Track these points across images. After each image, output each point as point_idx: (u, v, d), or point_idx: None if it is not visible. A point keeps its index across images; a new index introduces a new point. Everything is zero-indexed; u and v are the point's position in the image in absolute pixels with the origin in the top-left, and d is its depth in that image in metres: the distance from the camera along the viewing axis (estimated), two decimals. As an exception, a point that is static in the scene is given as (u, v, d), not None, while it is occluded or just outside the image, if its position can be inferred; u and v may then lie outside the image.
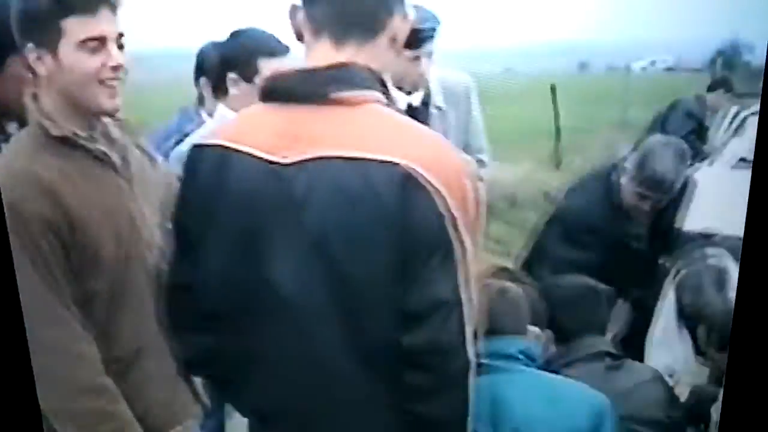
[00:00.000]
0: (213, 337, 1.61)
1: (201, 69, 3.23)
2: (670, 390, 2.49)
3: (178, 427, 2.04)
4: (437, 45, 2.87)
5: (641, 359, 2.87)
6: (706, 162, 5.51)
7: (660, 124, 6.19)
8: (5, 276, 0.84)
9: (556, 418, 1.91)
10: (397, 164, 1.37)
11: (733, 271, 2.93)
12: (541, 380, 2.03)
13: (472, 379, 1.48)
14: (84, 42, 1.76)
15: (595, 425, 1.95)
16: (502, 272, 2.97)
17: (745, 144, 5.28)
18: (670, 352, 3.03)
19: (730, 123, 5.99)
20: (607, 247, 3.23)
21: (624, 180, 3.27)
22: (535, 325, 2.52)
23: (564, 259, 3.21)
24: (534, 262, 3.36)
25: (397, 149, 1.39)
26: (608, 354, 2.48)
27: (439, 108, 3.12)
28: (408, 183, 1.37)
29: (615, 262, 3.17)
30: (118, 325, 1.88)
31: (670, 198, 3.26)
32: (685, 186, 3.44)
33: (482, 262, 1.62)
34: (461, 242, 1.41)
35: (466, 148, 3.23)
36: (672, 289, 3.13)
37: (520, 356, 2.02)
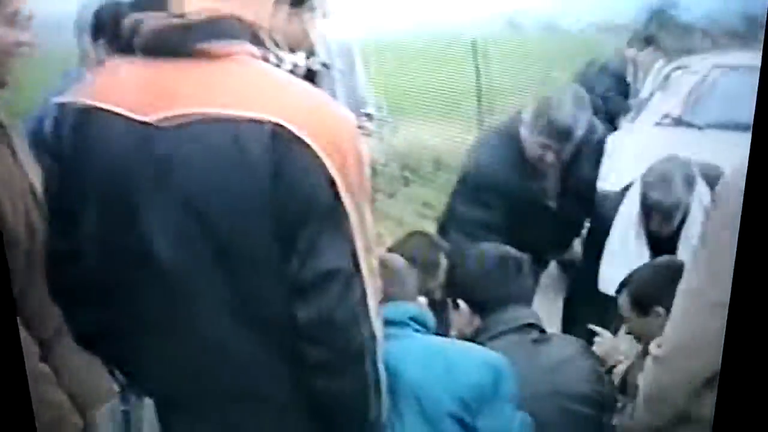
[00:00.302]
0: (100, 311, 1.52)
1: (98, 29, 3.01)
2: (600, 363, 2.34)
3: (101, 407, 1.98)
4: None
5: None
6: (629, 118, 5.40)
7: (580, 82, 6.06)
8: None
9: (454, 379, 1.88)
10: (269, 122, 1.30)
11: None
12: (433, 344, 1.98)
13: (379, 354, 1.43)
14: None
15: (494, 382, 1.91)
16: (419, 237, 2.80)
17: (670, 99, 5.19)
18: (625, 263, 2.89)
19: (655, 79, 5.90)
20: (518, 207, 3.10)
21: (524, 131, 3.10)
22: (455, 295, 2.35)
23: (475, 220, 3.08)
24: (448, 226, 3.22)
25: (270, 106, 1.31)
26: (534, 327, 2.31)
27: (324, 65, 3.10)
28: (281, 142, 1.30)
29: (531, 223, 3.06)
30: (36, 304, 1.77)
31: (573, 147, 3.10)
32: (601, 142, 3.33)
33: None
34: (349, 205, 1.33)
35: (354, 103, 3.27)
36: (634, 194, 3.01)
37: (410, 322, 1.96)
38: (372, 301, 1.40)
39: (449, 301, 2.42)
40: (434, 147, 7.03)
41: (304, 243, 1.33)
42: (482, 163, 3.18)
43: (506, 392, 1.94)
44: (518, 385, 2.02)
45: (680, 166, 2.99)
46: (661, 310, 2.24)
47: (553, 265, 3.97)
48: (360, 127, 3.75)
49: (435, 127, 7.21)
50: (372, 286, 1.41)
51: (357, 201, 1.36)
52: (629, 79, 6.37)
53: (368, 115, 3.73)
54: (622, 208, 3.08)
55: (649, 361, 1.82)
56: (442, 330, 2.52)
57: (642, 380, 1.86)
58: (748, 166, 0.91)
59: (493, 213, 3.06)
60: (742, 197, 1.62)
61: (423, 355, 1.92)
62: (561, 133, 3.05)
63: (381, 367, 1.47)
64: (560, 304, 3.55)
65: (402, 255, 2.75)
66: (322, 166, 1.31)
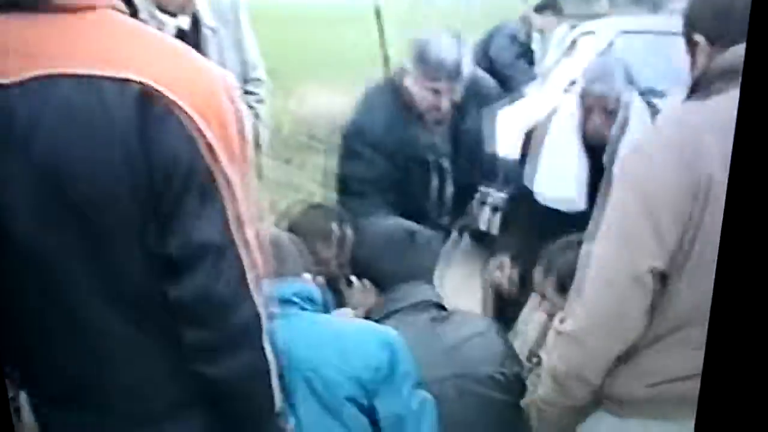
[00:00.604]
0: None
1: None
2: (507, 343, 2.19)
3: None
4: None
5: None
6: (537, 86, 5.30)
7: (483, 48, 5.93)
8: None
9: (346, 357, 1.79)
10: (133, 81, 1.20)
11: None
12: (322, 323, 1.88)
13: (265, 335, 1.35)
14: None
15: (390, 362, 1.81)
16: (315, 209, 2.63)
17: (576, 66, 5.10)
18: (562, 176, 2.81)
19: (561, 45, 5.81)
20: (406, 163, 2.94)
21: (409, 81, 2.90)
22: (349, 271, 2.18)
23: (359, 177, 2.92)
24: (343, 194, 3.04)
25: (134, 64, 1.22)
26: (435, 305, 2.14)
27: (211, 28, 3.01)
28: (146, 103, 1.20)
29: (420, 181, 2.95)
30: None
31: (463, 87, 2.92)
32: (491, 98, 3.17)
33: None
34: (223, 173, 1.24)
35: (242, 66, 3.24)
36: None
37: (296, 299, 1.84)
38: (251, 277, 1.30)
39: (342, 277, 2.24)
40: (338, 113, 6.82)
41: (178, 214, 1.24)
42: (364, 117, 2.99)
43: (403, 371, 1.83)
44: (416, 364, 1.89)
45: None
46: None
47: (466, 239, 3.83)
48: (250, 93, 3.60)
49: (340, 93, 7.01)
50: (251, 261, 1.30)
51: (235, 169, 1.26)
52: (534, 46, 6.28)
53: (258, 80, 3.55)
54: (556, 119, 2.94)
55: (552, 337, 1.68)
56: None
57: (546, 357, 1.73)
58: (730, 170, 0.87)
59: (376, 169, 2.89)
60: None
61: (312, 334, 1.81)
62: (444, 69, 2.84)
63: (269, 349, 1.37)
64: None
65: (295, 228, 2.60)
66: (197, 129, 1.21)
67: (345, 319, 1.93)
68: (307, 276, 1.94)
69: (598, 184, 2.86)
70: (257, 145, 3.58)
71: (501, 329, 2.22)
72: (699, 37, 1.63)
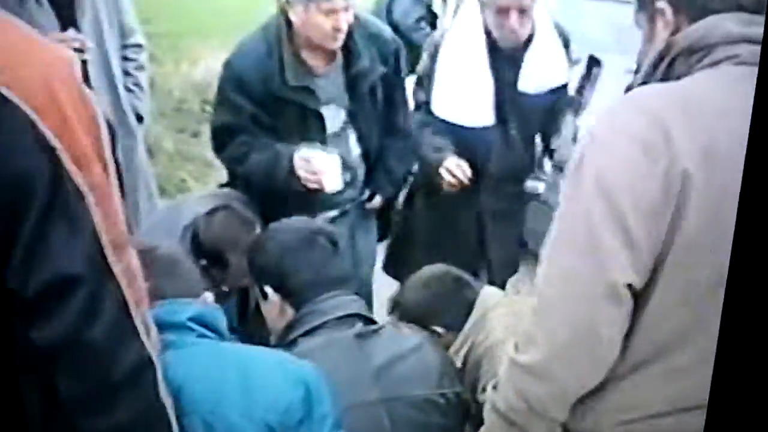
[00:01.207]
0: None
1: None
2: (445, 358, 1.91)
3: None
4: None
5: None
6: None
7: (386, 10, 5.63)
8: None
9: (252, 397, 1.50)
10: None
11: None
12: (223, 353, 1.57)
13: (158, 377, 1.13)
14: None
15: (305, 402, 1.53)
16: (222, 213, 2.37)
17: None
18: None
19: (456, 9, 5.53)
20: (282, 109, 2.64)
21: (295, 14, 2.57)
22: (260, 281, 1.87)
23: (231, 128, 2.65)
24: (218, 150, 2.80)
25: None
26: (361, 318, 1.85)
27: None
28: None
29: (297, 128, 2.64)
30: None
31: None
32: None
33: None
34: (83, 183, 1.01)
35: (120, 30, 3.04)
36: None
37: (192, 325, 1.54)
38: (136, 313, 1.08)
39: (257, 289, 1.92)
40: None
41: (27, 240, 1.00)
42: (237, 62, 2.67)
43: (320, 414, 1.54)
44: (338, 396, 1.62)
45: None
46: None
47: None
48: (129, 59, 3.21)
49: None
50: (134, 292, 1.09)
51: (95, 175, 1.04)
52: (437, 9, 6.02)
53: (137, 46, 3.17)
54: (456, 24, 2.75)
55: (506, 369, 1.41)
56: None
57: (495, 392, 1.45)
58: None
59: (243, 115, 2.63)
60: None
61: (212, 369, 1.51)
62: None
63: (163, 392, 1.15)
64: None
65: (204, 236, 2.36)
66: (33, 127, 0.98)
67: (254, 349, 1.61)
68: (208, 296, 1.62)
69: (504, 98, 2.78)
70: (139, 118, 3.20)
71: (437, 343, 1.95)
72: (662, 4, 1.37)
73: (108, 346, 1.07)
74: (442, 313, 2.13)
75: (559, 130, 2.94)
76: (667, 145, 1.21)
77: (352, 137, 2.76)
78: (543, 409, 1.38)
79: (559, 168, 2.97)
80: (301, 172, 2.53)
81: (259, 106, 2.60)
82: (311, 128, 2.63)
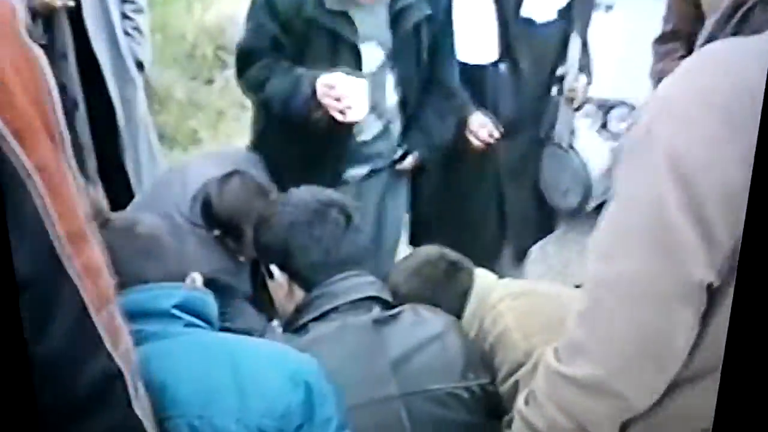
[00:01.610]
0: None
1: None
2: (471, 346, 1.72)
3: None
4: None
5: None
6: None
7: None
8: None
9: (245, 399, 1.30)
10: None
11: None
12: (214, 347, 1.36)
13: (128, 385, 0.95)
14: None
15: (303, 402, 1.32)
16: (235, 178, 2.20)
17: None
18: None
19: None
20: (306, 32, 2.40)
21: None
22: (266, 259, 1.68)
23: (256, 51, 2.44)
24: (240, 75, 2.56)
25: None
26: (378, 301, 1.66)
27: None
28: None
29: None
30: None
31: None
32: None
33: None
34: (28, 162, 0.80)
35: None
36: None
37: (178, 313, 1.34)
38: (99, 318, 0.89)
39: (263, 267, 1.73)
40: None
41: None
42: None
43: (322, 418, 1.34)
44: (352, 389, 1.46)
45: None
46: None
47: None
48: (128, 1, 2.98)
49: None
50: (98, 294, 0.90)
51: (42, 153, 0.84)
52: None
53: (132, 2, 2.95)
54: None
55: (550, 383, 1.21)
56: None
57: (530, 407, 1.25)
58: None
59: (272, 38, 2.42)
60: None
61: (200, 366, 1.31)
62: None
63: (139, 399, 0.99)
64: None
65: (217, 205, 2.19)
66: None
67: (248, 341, 1.43)
68: (197, 278, 1.43)
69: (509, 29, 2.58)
70: (139, 65, 2.98)
71: (461, 327, 1.76)
72: None
73: (65, 360, 0.90)
74: (437, 303, 1.93)
75: (566, 56, 2.75)
76: (754, 115, 1.00)
77: (390, 82, 2.52)
78: (596, 427, 1.19)
79: (569, 99, 2.79)
80: (324, 99, 2.29)
81: (289, 32, 2.38)
82: (344, 64, 2.37)
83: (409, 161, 2.64)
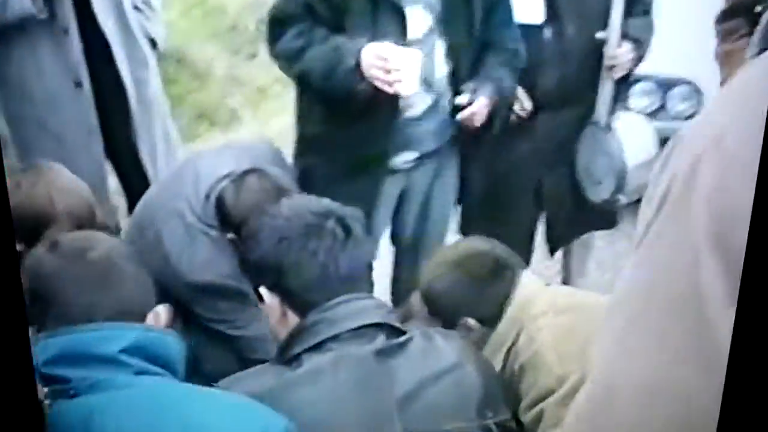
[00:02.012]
0: None
1: None
2: (490, 378, 1.50)
3: None
4: None
5: None
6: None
7: None
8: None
9: None
10: None
11: None
12: (167, 400, 1.14)
13: None
14: None
15: None
16: (252, 176, 2.09)
17: None
18: None
19: None
20: None
21: None
22: (256, 280, 1.48)
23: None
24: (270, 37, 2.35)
25: None
26: (384, 328, 1.44)
27: None
28: None
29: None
30: None
31: None
32: None
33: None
34: None
35: None
36: None
37: (128, 359, 1.13)
38: None
39: (251, 290, 1.53)
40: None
41: None
42: None
43: None
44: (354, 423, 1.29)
45: None
46: None
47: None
48: None
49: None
50: None
51: None
52: None
53: None
54: None
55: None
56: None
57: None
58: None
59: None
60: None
61: (146, 421, 1.10)
62: None
63: None
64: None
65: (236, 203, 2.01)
66: None
67: (209, 395, 1.21)
68: (161, 311, 1.24)
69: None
70: (152, 43, 2.77)
71: (480, 356, 1.53)
72: None
73: None
74: (476, 303, 1.72)
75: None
76: None
77: (439, 50, 2.27)
78: None
79: (608, 68, 2.50)
80: (372, 70, 2.07)
81: None
82: (388, 30, 2.14)
83: (477, 106, 2.28)
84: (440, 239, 2.64)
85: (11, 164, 2.08)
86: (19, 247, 1.70)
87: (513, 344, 1.69)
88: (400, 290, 2.77)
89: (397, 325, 1.45)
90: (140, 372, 1.11)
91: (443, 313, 1.74)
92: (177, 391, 1.15)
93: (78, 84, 2.45)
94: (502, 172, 2.65)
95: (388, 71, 2.06)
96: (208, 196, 2.13)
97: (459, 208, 2.70)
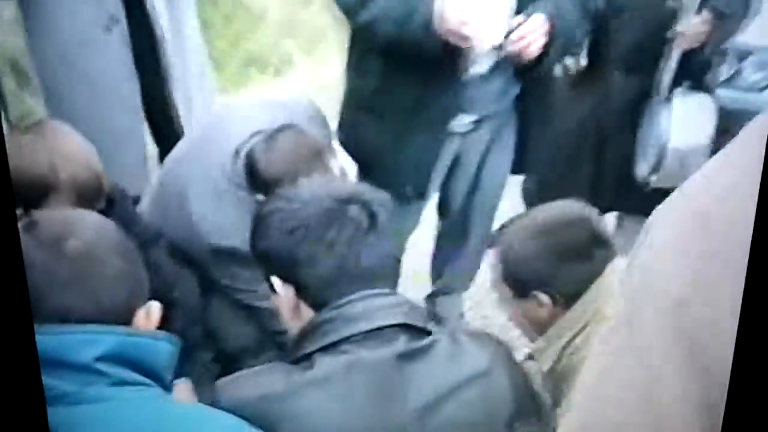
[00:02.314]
0: None
1: None
2: (520, 384, 1.34)
3: None
4: None
5: None
6: None
7: None
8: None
9: None
10: None
11: None
12: (143, 417, 1.01)
13: None
14: None
15: None
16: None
17: None
18: None
19: None
20: None
21: None
22: (267, 269, 1.35)
23: None
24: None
25: None
26: (406, 328, 1.29)
27: None
28: None
29: None
30: None
31: None
32: None
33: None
34: None
35: None
36: None
37: (104, 367, 0.99)
38: None
39: (264, 278, 1.39)
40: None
41: None
42: None
43: None
44: None
45: None
46: None
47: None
48: None
49: None
50: None
51: None
52: None
53: None
54: None
55: None
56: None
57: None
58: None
59: None
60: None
61: None
62: None
63: None
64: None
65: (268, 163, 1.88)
66: None
67: (194, 414, 1.08)
68: (153, 308, 1.11)
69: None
70: None
71: (513, 361, 1.38)
72: None
73: None
74: (556, 278, 1.51)
75: None
76: None
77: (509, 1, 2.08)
78: None
79: (674, 36, 2.30)
80: (452, 21, 1.92)
81: None
82: None
83: (532, 25, 2.05)
84: (491, 212, 2.50)
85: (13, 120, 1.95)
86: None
87: (575, 336, 1.51)
88: (440, 266, 2.63)
89: (421, 325, 1.31)
90: (118, 383, 0.99)
91: (516, 281, 1.55)
92: (155, 410, 1.01)
93: (112, 22, 2.30)
94: (563, 138, 2.52)
95: (466, 23, 1.91)
96: (238, 153, 2.01)
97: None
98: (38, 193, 1.55)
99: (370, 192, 1.35)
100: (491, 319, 2.85)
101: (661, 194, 0.65)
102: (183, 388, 1.35)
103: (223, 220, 2.02)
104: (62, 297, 1.01)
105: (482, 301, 2.86)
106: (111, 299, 1.04)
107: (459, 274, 2.63)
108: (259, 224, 1.34)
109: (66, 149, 1.63)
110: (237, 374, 1.29)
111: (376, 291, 1.28)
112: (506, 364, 1.33)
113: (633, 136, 2.49)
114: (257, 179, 1.97)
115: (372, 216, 1.30)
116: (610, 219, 2.86)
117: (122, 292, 1.05)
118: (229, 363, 2.51)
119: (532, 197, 2.60)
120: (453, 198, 2.47)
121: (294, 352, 1.29)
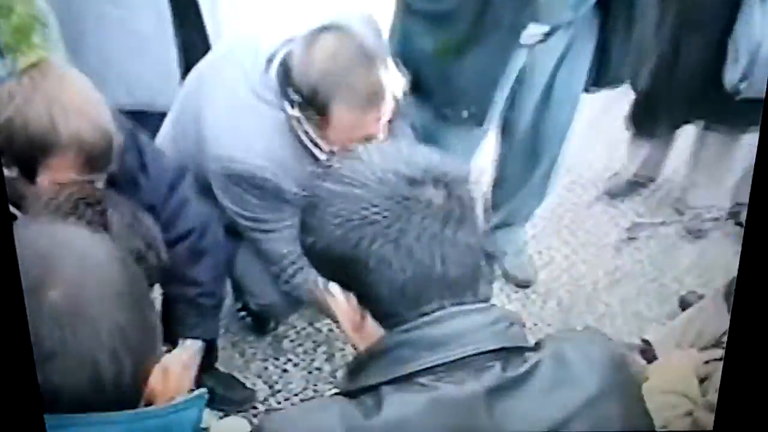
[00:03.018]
0: None
1: None
2: (636, 406, 1.06)
3: None
4: None
5: None
6: None
7: None
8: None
9: None
10: None
11: None
12: None
13: None
14: None
15: None
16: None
17: None
18: None
19: None
20: None
21: None
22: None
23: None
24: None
25: None
26: (500, 353, 0.98)
27: None
28: None
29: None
30: None
31: None
32: None
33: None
34: None
35: None
36: None
37: None
38: None
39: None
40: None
41: None
42: None
43: None
44: None
45: None
46: None
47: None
48: None
49: None
50: None
51: None
52: None
53: None
54: None
55: None
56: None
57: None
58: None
59: None
60: None
61: None
62: None
63: None
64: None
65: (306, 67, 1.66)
66: None
67: None
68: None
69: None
70: None
71: (628, 375, 1.08)
72: None
73: None
74: None
75: None
76: None
77: None
78: None
79: None
80: None
81: None
82: None
83: None
84: (561, 135, 2.21)
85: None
86: (9, 172, 1.29)
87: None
88: (502, 196, 2.34)
89: (521, 344, 1.01)
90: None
91: None
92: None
93: None
94: (649, 45, 2.31)
95: None
96: (270, 61, 1.71)
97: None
98: (36, 150, 1.26)
99: (449, 165, 1.02)
100: (554, 251, 2.59)
101: (749, 106, 0.48)
102: (188, 347, 1.22)
103: (238, 139, 1.77)
104: (52, 373, 0.72)
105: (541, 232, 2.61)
106: (111, 366, 0.74)
107: (523, 204, 2.34)
108: (308, 216, 1.01)
109: (69, 100, 1.31)
110: (284, 410, 1.01)
111: (466, 306, 0.97)
112: (620, 380, 1.03)
113: (725, 40, 2.27)
114: (291, 84, 1.69)
115: (454, 200, 0.98)
116: (691, 131, 2.60)
117: (124, 354, 0.75)
118: (257, 316, 2.32)
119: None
120: (518, 119, 2.19)
121: (354, 379, 1.00)
